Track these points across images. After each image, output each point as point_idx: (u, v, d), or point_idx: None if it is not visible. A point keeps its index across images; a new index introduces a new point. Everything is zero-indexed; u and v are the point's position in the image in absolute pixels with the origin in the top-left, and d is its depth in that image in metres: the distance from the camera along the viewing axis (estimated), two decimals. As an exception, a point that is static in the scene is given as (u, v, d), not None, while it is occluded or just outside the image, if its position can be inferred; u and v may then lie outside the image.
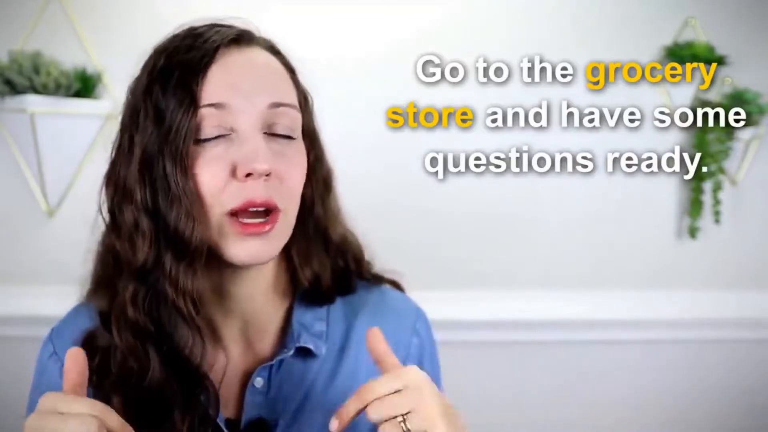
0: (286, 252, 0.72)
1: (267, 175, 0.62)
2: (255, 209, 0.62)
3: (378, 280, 0.81)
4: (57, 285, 1.52)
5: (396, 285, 0.83)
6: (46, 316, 1.44)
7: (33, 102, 1.46)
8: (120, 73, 1.56)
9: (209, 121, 0.62)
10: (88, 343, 0.66)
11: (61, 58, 1.51)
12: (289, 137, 0.65)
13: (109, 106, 1.55)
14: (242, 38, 0.66)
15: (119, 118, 0.68)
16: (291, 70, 0.70)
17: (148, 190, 0.63)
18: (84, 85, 1.52)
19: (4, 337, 1.57)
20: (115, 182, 0.66)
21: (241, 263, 0.64)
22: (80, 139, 1.56)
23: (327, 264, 0.74)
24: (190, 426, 0.63)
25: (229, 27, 0.67)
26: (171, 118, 0.61)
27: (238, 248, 0.63)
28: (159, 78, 0.63)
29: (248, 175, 0.61)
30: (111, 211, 0.66)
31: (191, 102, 0.61)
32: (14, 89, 1.47)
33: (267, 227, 0.62)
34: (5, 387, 1.57)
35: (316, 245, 0.73)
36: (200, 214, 0.62)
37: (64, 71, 1.49)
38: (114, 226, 0.66)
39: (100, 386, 0.64)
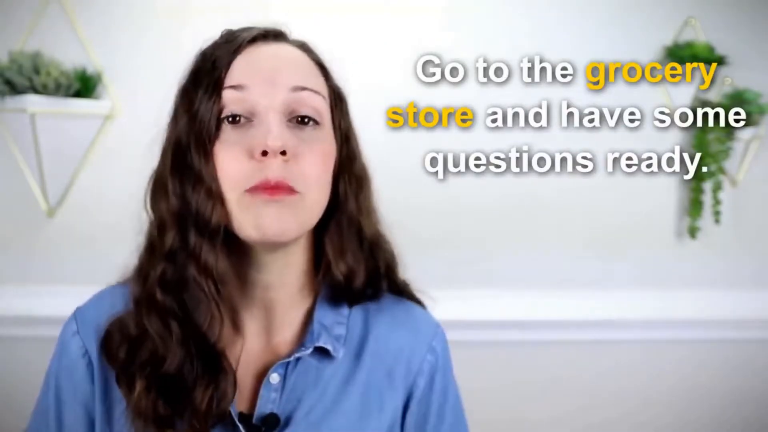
0: (317, 248, 0.73)
1: (283, 154, 0.63)
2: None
3: (403, 294, 0.81)
4: (56, 285, 1.53)
5: (419, 303, 0.82)
6: (44, 316, 1.45)
7: (33, 102, 1.46)
8: (120, 73, 1.60)
9: (231, 105, 0.65)
10: (116, 329, 0.69)
11: (61, 58, 1.51)
12: (313, 121, 0.67)
13: (109, 106, 1.55)
14: (270, 34, 0.70)
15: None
16: (322, 67, 0.73)
17: (177, 178, 0.66)
18: (84, 85, 1.52)
19: (3, 337, 1.57)
20: (154, 179, 0.70)
21: (260, 236, 0.64)
22: (80, 139, 1.56)
23: (361, 260, 0.75)
24: (209, 404, 0.65)
25: (261, 27, 0.71)
26: (197, 105, 0.66)
27: (254, 217, 0.63)
28: (193, 75, 0.69)
29: (264, 154, 0.63)
30: (151, 207, 0.70)
31: (215, 87, 0.65)
32: (14, 89, 1.47)
33: (282, 194, 0.63)
34: (5, 387, 1.57)
35: (350, 240, 0.74)
36: (221, 196, 0.65)
37: (64, 71, 1.49)
38: (153, 219, 0.70)
39: (125, 372, 0.66)
